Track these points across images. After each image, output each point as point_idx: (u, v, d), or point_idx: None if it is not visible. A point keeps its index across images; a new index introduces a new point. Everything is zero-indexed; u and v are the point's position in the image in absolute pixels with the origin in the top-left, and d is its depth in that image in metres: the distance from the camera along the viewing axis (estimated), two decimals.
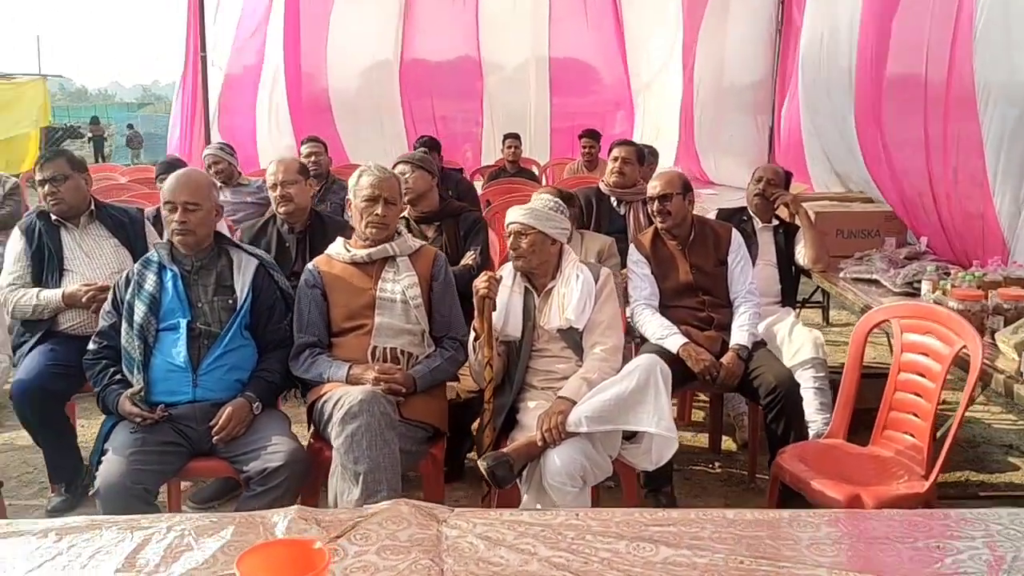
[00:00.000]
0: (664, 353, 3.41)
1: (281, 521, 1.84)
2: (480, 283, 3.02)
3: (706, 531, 1.86)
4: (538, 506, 2.76)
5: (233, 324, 2.99)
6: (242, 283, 3.06)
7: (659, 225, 3.76)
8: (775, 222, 4.30)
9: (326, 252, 3.25)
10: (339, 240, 3.26)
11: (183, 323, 2.93)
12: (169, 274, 3.01)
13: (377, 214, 3.12)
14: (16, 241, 3.69)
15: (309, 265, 3.22)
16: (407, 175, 4.00)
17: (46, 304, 3.53)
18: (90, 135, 22.49)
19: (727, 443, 4.33)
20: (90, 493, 2.94)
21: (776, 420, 3.38)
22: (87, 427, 4.20)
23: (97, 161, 20.10)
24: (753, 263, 3.93)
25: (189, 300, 2.98)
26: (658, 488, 3.51)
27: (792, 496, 3.02)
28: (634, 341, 3.88)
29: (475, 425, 3.41)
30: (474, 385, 3.28)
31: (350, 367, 2.99)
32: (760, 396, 3.43)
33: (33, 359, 3.47)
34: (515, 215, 3.14)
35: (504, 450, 2.81)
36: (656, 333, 3.59)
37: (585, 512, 1.96)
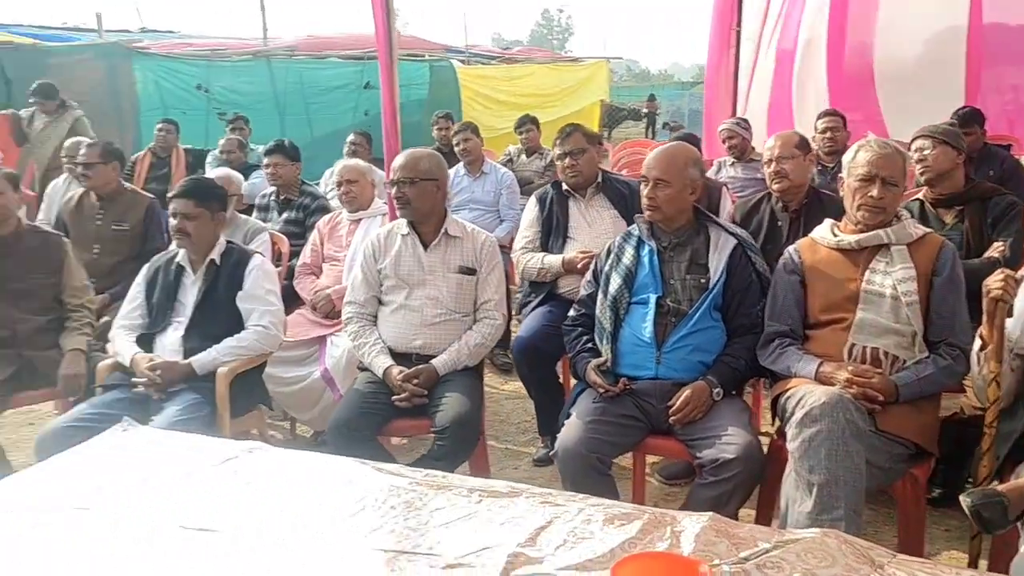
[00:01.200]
0: None
1: (691, 526, 1.69)
2: (993, 282, 2.48)
3: None
4: None
5: (703, 304, 2.89)
6: (716, 262, 2.94)
7: None
8: None
9: (811, 235, 2.96)
10: (827, 222, 2.95)
11: (653, 298, 2.91)
12: (647, 248, 3.01)
13: (872, 196, 2.74)
14: (531, 209, 4.06)
15: (790, 248, 2.97)
16: (926, 151, 3.53)
17: (548, 268, 3.82)
18: (645, 111, 24.27)
19: None
20: (549, 454, 3.10)
21: None
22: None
23: (647, 135, 21.56)
24: None
25: (662, 276, 2.95)
26: None
27: None
28: None
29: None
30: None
31: (821, 363, 2.68)
32: None
33: (534, 319, 3.79)
34: None
35: (1000, 487, 2.30)
36: None
37: None
